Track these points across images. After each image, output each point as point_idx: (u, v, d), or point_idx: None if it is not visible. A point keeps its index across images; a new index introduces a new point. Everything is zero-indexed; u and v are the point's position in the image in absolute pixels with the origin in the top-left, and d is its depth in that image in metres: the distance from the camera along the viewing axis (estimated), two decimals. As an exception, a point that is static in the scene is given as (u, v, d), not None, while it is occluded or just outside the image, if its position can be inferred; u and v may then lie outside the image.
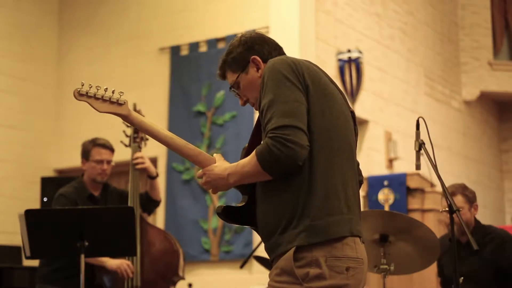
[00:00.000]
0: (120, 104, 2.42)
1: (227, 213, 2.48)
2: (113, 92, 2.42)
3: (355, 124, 2.54)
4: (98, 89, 2.40)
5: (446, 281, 4.52)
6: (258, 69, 2.52)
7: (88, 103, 2.41)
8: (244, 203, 2.48)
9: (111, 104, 2.41)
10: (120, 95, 2.42)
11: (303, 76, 2.34)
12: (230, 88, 2.60)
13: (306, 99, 2.31)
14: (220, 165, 2.39)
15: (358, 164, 2.61)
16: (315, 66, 2.48)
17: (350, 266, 2.28)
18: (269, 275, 2.35)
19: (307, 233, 2.25)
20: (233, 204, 2.52)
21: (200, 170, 2.45)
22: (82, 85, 2.39)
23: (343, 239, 2.27)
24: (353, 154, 2.46)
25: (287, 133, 2.21)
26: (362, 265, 2.34)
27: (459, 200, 4.29)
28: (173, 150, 2.47)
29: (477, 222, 4.42)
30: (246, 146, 2.51)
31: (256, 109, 2.49)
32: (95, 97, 2.40)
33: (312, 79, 2.36)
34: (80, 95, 2.39)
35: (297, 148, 2.21)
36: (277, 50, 2.57)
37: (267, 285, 2.35)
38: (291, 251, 2.25)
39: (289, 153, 2.20)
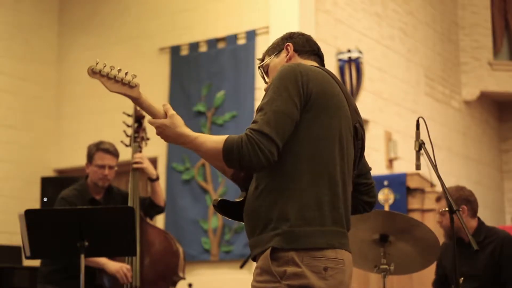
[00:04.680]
0: (132, 87, 2.44)
1: (222, 207, 2.50)
2: (126, 74, 2.44)
3: (359, 139, 2.53)
4: (111, 69, 2.43)
5: (445, 279, 4.52)
6: (287, 55, 2.59)
7: (101, 81, 2.43)
8: (241, 199, 2.49)
9: (123, 85, 2.44)
10: (133, 78, 2.45)
11: (307, 86, 2.35)
12: (259, 67, 2.68)
13: (303, 109, 2.33)
14: (173, 126, 2.38)
15: (373, 185, 2.66)
16: (329, 74, 2.50)
17: (328, 266, 2.29)
18: (253, 275, 2.37)
19: (283, 237, 2.28)
20: (230, 200, 2.53)
21: (151, 119, 2.45)
22: (97, 63, 2.41)
23: (321, 250, 2.29)
24: (350, 168, 2.46)
25: (261, 140, 2.25)
26: (343, 265, 2.34)
27: (443, 204, 4.29)
28: None
29: (480, 223, 4.43)
30: None
31: None
32: (107, 77, 2.43)
33: (318, 88, 2.37)
34: (93, 72, 2.42)
35: (263, 160, 2.26)
36: (311, 46, 2.63)
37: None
38: (268, 251, 2.28)
39: (254, 159, 2.25)
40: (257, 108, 2.37)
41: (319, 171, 2.33)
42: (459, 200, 4.34)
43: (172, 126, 2.39)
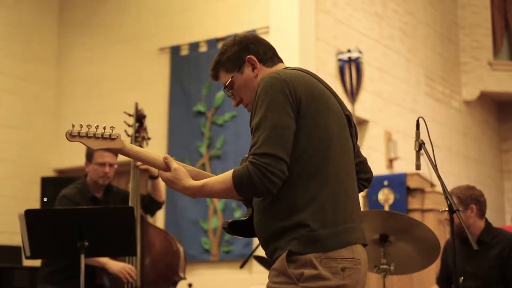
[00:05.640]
0: (113, 139, 2.44)
1: (233, 227, 2.53)
2: (104, 128, 2.44)
3: (352, 126, 2.56)
4: (89, 128, 2.41)
5: (450, 277, 4.52)
6: (253, 68, 2.51)
7: (82, 142, 2.42)
8: (248, 216, 2.50)
9: (104, 140, 2.42)
10: (112, 130, 2.44)
11: (295, 92, 2.33)
12: (224, 88, 2.59)
13: (297, 116, 2.32)
14: (177, 181, 2.41)
15: (365, 162, 2.67)
16: (309, 73, 2.48)
17: (346, 266, 2.30)
18: (268, 277, 2.38)
19: (300, 241, 2.28)
20: (238, 218, 2.55)
21: (160, 172, 2.45)
22: (73, 126, 2.40)
23: (337, 250, 2.30)
24: (351, 159, 2.48)
25: (268, 162, 2.24)
26: (359, 265, 2.35)
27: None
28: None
29: (487, 224, 4.43)
30: (246, 157, 2.52)
31: (249, 111, 2.50)
32: (87, 136, 2.42)
33: (306, 93, 2.36)
34: (72, 136, 2.41)
35: (278, 181, 2.26)
36: (272, 50, 2.57)
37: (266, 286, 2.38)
38: (284, 254, 2.29)
39: (268, 184, 2.25)
40: (252, 128, 2.34)
41: (324, 174, 2.34)
42: (470, 199, 4.35)
43: (176, 181, 2.41)
